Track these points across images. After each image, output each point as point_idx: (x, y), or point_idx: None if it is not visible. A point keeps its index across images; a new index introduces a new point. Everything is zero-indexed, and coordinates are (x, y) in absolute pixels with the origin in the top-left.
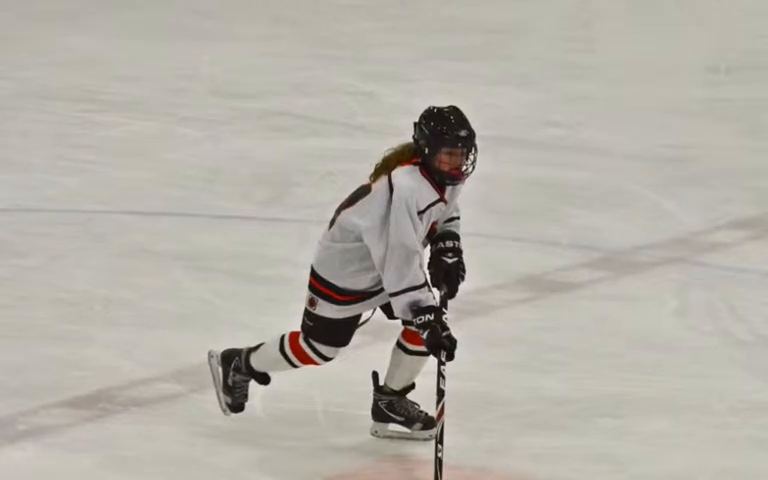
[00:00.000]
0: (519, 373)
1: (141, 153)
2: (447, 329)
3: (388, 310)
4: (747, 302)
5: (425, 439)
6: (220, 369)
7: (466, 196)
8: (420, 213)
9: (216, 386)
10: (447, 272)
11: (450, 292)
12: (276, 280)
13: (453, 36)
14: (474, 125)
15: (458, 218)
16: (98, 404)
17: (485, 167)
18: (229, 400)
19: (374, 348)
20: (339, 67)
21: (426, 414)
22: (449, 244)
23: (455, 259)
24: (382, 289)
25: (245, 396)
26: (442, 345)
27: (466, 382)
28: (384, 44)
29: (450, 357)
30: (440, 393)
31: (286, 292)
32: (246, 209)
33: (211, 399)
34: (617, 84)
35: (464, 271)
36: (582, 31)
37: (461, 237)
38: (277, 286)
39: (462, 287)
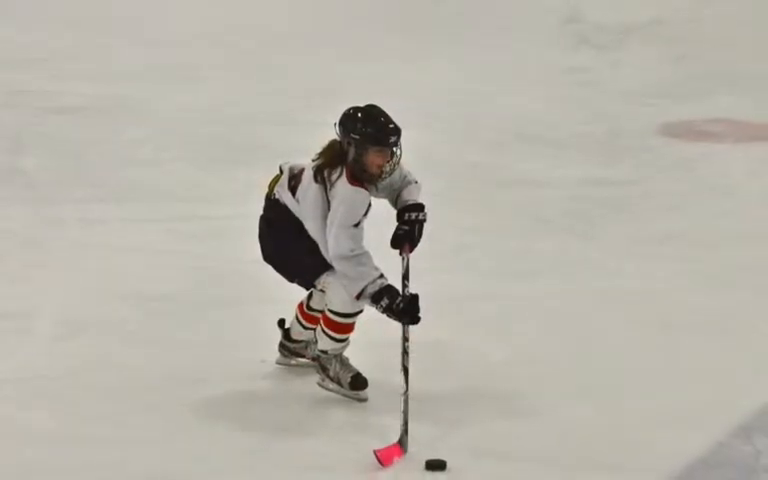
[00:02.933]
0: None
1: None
2: (400, 296)
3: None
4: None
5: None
6: (331, 384)
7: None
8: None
9: (342, 392)
10: (408, 232)
11: (411, 247)
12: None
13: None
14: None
15: (416, 182)
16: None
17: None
18: (348, 380)
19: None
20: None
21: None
22: (412, 205)
23: (416, 216)
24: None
25: (353, 369)
26: (404, 317)
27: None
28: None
29: (413, 321)
30: (405, 370)
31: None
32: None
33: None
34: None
35: (421, 231)
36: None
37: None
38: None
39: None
